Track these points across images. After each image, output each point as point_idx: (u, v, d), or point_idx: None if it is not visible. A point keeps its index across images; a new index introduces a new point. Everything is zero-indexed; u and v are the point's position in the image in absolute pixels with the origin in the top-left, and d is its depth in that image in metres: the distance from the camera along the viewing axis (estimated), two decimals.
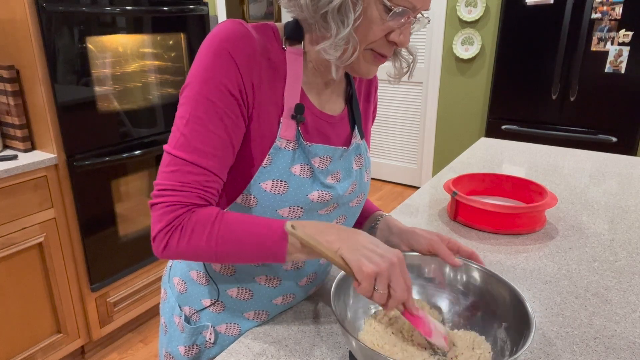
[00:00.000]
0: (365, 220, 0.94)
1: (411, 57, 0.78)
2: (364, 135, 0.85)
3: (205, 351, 0.84)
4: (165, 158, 0.66)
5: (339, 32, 0.65)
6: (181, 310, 0.85)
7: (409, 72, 0.79)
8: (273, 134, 0.70)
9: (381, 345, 0.71)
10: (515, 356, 0.61)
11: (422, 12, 0.69)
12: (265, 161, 0.70)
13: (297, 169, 0.71)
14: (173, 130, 0.66)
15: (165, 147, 0.66)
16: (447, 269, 0.83)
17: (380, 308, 0.78)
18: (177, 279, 0.87)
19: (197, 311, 0.84)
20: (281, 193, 0.70)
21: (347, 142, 0.80)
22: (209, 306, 0.82)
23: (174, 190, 0.64)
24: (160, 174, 0.66)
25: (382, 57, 0.71)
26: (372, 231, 0.92)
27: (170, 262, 0.93)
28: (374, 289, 0.62)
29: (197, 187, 0.65)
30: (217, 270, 0.80)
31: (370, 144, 0.97)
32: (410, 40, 0.77)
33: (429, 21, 0.72)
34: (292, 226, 0.63)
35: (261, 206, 0.71)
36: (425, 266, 0.84)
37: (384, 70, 0.83)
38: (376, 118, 4.29)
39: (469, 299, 0.80)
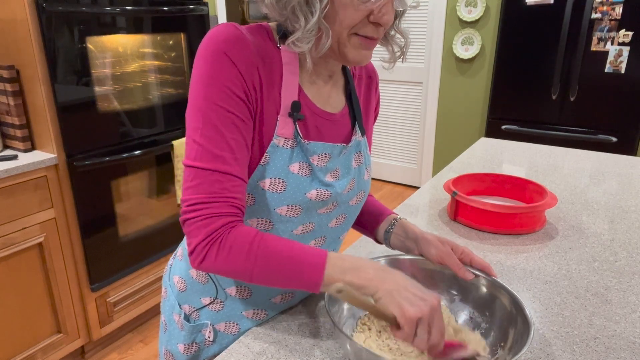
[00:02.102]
0: (379, 223, 0.93)
1: (404, 40, 0.77)
2: (365, 132, 0.84)
3: (205, 349, 0.84)
4: (187, 173, 0.65)
5: (307, 23, 0.64)
6: (181, 308, 0.85)
7: (402, 56, 0.77)
8: (270, 132, 0.70)
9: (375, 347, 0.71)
10: (517, 357, 0.61)
11: None
12: (263, 159, 0.70)
13: (295, 167, 0.71)
14: (188, 143, 0.66)
15: (184, 162, 0.66)
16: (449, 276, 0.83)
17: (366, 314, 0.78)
18: (177, 278, 0.87)
19: (196, 309, 0.84)
20: (279, 191, 0.70)
21: (348, 139, 0.80)
22: (209, 304, 0.83)
23: (203, 203, 0.64)
24: (185, 190, 0.65)
25: (370, 40, 0.68)
26: (387, 235, 0.91)
27: (170, 261, 0.93)
28: (415, 334, 0.61)
29: (226, 196, 0.64)
30: None
31: (372, 142, 0.97)
32: (410, 36, 0.77)
33: (417, 3, 0.71)
34: (339, 290, 0.62)
35: (259, 205, 0.71)
36: (426, 270, 0.84)
37: (379, 57, 0.82)
38: (377, 118, 4.28)
39: (467, 304, 0.81)
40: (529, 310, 0.71)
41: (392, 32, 0.76)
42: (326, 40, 0.66)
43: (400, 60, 0.78)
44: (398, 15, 0.74)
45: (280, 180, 0.70)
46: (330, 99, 0.78)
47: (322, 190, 0.73)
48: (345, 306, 0.77)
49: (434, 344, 0.61)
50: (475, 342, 0.73)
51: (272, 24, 0.74)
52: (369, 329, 0.75)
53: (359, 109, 0.82)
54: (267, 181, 0.70)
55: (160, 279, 2.29)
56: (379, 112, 4.07)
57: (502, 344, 0.72)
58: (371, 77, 0.88)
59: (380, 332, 0.74)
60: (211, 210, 0.64)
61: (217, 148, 0.64)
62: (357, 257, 0.67)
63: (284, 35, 0.71)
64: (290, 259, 0.64)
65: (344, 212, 0.81)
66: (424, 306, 0.60)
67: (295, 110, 0.70)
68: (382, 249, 1.06)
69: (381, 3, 0.65)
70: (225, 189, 0.64)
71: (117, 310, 2.11)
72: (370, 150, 0.88)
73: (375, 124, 4.17)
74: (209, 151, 0.64)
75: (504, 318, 0.74)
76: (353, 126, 0.81)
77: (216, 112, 0.64)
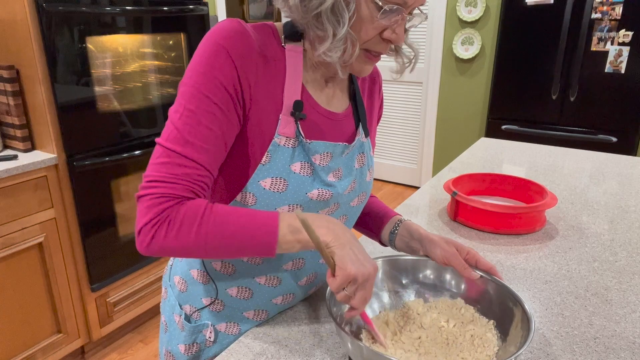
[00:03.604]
0: (384, 224, 0.93)
1: (412, 52, 0.78)
2: (369, 133, 0.84)
3: (205, 350, 0.84)
4: (156, 150, 0.66)
5: (336, 33, 0.65)
6: (181, 308, 0.85)
7: (410, 67, 0.79)
8: (272, 131, 0.70)
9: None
10: (516, 354, 0.61)
11: (419, 7, 0.69)
12: (264, 158, 0.69)
13: (297, 166, 0.71)
14: (167, 124, 0.66)
15: (157, 139, 0.66)
16: (447, 275, 0.83)
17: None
18: (177, 278, 0.87)
19: (197, 310, 0.84)
20: (280, 191, 0.70)
21: (351, 140, 0.80)
22: (209, 305, 0.82)
23: (163, 182, 0.63)
24: (150, 166, 0.65)
25: (376, 57, 0.71)
26: (392, 237, 0.91)
27: (170, 261, 0.93)
28: (343, 289, 0.64)
29: (187, 180, 0.64)
30: (217, 269, 0.80)
31: (375, 143, 0.97)
32: (410, 36, 0.77)
33: (426, 17, 0.72)
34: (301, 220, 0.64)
35: (260, 204, 0.71)
36: (421, 270, 0.85)
37: (387, 67, 0.83)
38: (380, 119, 4.28)
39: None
40: (529, 307, 0.71)
41: (402, 45, 0.77)
42: (352, 50, 0.67)
43: (409, 70, 0.79)
44: (406, 30, 0.74)
45: (282, 180, 0.70)
46: (334, 98, 0.78)
47: (324, 190, 0.73)
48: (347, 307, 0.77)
49: (355, 307, 0.65)
50: (487, 330, 0.74)
51: (277, 24, 0.74)
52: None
53: (363, 109, 0.82)
54: (269, 181, 0.70)
55: (160, 279, 2.29)
56: (382, 114, 4.07)
57: (503, 340, 0.73)
58: (375, 79, 0.88)
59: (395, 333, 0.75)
60: (167, 190, 0.63)
61: (190, 135, 0.64)
62: (311, 213, 0.68)
63: (291, 35, 0.71)
64: (242, 226, 0.64)
65: (345, 213, 0.81)
66: (362, 269, 0.63)
67: (298, 109, 0.70)
68: (382, 249, 1.07)
69: (397, 20, 0.66)
70: (187, 175, 0.64)
71: (117, 310, 2.11)
72: (373, 152, 0.88)
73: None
74: (182, 136, 0.64)
75: (505, 316, 0.75)
76: (357, 127, 0.81)
77: (201, 101, 0.64)
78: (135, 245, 0.65)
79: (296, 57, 0.71)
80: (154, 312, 2.36)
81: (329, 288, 0.71)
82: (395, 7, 0.65)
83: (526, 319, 0.68)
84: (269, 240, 0.64)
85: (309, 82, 0.74)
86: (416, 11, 0.69)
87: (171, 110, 0.67)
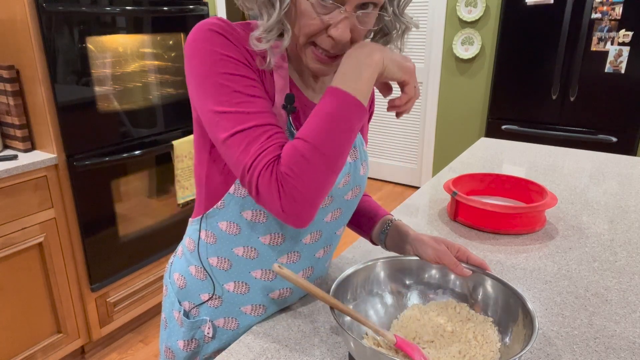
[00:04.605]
0: (375, 224, 0.94)
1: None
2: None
3: (204, 345, 0.85)
4: (230, 144, 0.65)
5: (269, 19, 0.65)
6: (180, 305, 0.86)
7: None
8: None
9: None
10: (519, 354, 0.61)
11: (386, 6, 0.68)
12: None
13: None
14: (217, 122, 0.66)
15: (222, 135, 0.65)
16: (452, 275, 0.83)
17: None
18: (177, 275, 0.87)
19: (195, 306, 0.84)
20: None
21: None
22: (207, 301, 0.83)
23: (257, 155, 0.63)
24: (239, 157, 0.64)
25: (325, 57, 0.68)
26: (382, 236, 0.92)
27: (171, 259, 0.93)
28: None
29: (274, 141, 0.64)
30: (214, 264, 0.80)
31: (369, 142, 0.97)
32: (408, 39, 0.77)
33: (390, 19, 0.70)
34: (278, 266, 0.70)
35: None
36: (426, 270, 0.85)
37: None
38: (376, 118, 4.30)
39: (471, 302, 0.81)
40: (531, 305, 0.71)
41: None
42: (287, 40, 0.67)
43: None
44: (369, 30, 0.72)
45: None
46: (322, 91, 0.79)
47: None
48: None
49: (416, 95, 0.71)
50: (487, 326, 0.74)
51: (259, 22, 0.74)
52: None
53: None
54: None
55: (160, 279, 2.29)
56: (377, 113, 4.08)
57: (502, 336, 0.73)
58: None
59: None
60: (265, 158, 0.63)
61: (247, 108, 0.65)
62: (349, 63, 0.66)
63: None
64: (329, 122, 0.63)
65: (340, 207, 0.81)
66: (411, 65, 0.69)
67: (290, 102, 0.71)
68: (382, 250, 1.06)
69: (337, 19, 0.65)
70: (270, 137, 0.65)
71: (117, 310, 2.11)
72: (366, 146, 0.88)
73: (376, 124, 4.17)
74: (241, 113, 0.65)
75: (507, 314, 0.75)
76: None
77: (232, 80, 0.65)
78: (292, 219, 0.65)
79: (280, 52, 0.72)
80: (154, 312, 2.36)
81: (332, 287, 0.71)
82: (331, 3, 0.64)
83: (529, 317, 0.69)
84: (358, 107, 0.65)
85: (296, 76, 0.76)
86: (370, 10, 0.66)
87: (207, 110, 0.66)
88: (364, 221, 0.95)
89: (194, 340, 0.84)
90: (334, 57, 0.69)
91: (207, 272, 0.81)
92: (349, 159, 0.80)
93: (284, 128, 0.71)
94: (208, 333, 0.83)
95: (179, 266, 0.88)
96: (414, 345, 0.69)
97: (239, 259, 0.78)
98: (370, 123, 0.92)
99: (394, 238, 0.90)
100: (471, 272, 0.80)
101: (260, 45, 0.66)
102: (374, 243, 0.96)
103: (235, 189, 0.73)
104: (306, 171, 0.62)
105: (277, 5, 0.64)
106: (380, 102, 4.12)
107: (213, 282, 0.82)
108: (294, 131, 0.72)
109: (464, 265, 0.81)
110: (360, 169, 0.83)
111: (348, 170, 0.79)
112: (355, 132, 0.66)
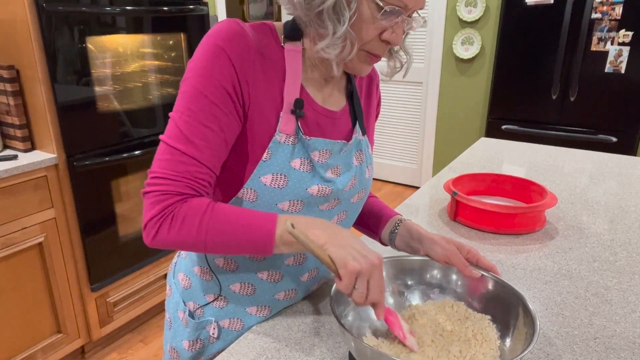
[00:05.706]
0: (384, 224, 0.93)
1: (405, 57, 0.79)
2: (366, 131, 0.85)
3: (209, 346, 0.85)
4: (160, 146, 0.68)
5: (336, 31, 0.66)
6: (185, 305, 0.86)
7: (402, 72, 0.80)
8: (272, 128, 0.71)
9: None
10: (522, 354, 0.61)
11: (417, 11, 0.70)
12: (265, 155, 0.71)
13: (297, 163, 0.72)
14: (169, 122, 0.68)
15: (161, 136, 0.68)
16: (453, 275, 0.83)
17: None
18: (181, 275, 0.87)
19: (200, 306, 0.84)
20: (281, 187, 0.71)
21: (348, 137, 0.81)
22: (212, 301, 0.83)
23: (166, 179, 0.65)
24: (155, 162, 0.67)
25: (376, 57, 0.72)
26: (392, 236, 0.91)
27: (175, 259, 0.94)
28: (354, 287, 0.64)
29: (188, 178, 0.66)
30: (220, 265, 0.80)
31: (374, 141, 0.98)
32: (408, 40, 0.78)
33: (425, 21, 0.73)
34: (292, 225, 0.64)
35: (261, 200, 0.72)
36: (428, 270, 0.84)
37: (379, 68, 0.84)
38: (378, 117, 4.28)
39: (474, 303, 0.81)
40: (532, 306, 0.71)
41: (397, 49, 0.78)
42: (350, 48, 0.68)
43: (401, 75, 0.80)
44: (406, 33, 0.75)
45: (282, 176, 0.71)
46: (331, 97, 0.79)
47: (324, 186, 0.74)
48: (351, 306, 0.77)
49: (373, 300, 0.65)
50: (486, 325, 0.74)
51: (277, 23, 0.75)
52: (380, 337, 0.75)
53: (360, 108, 0.83)
54: (269, 177, 0.71)
55: (160, 278, 2.29)
56: (380, 112, 4.08)
57: (501, 335, 0.73)
58: (372, 77, 0.89)
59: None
60: (170, 188, 0.65)
61: (191, 134, 0.66)
62: (308, 216, 0.68)
63: (290, 34, 0.72)
64: (241, 225, 0.65)
65: (345, 209, 0.81)
66: (364, 262, 0.63)
67: (299, 107, 0.71)
68: (382, 250, 1.07)
69: (397, 22, 0.67)
70: (189, 172, 0.66)
71: (117, 310, 2.11)
72: (372, 149, 0.88)
73: (376, 123, 4.17)
74: (183, 135, 0.66)
75: (507, 313, 0.75)
76: (354, 125, 0.82)
77: (201, 102, 0.66)
78: (142, 238, 0.67)
79: (295, 56, 0.72)
80: (154, 312, 2.36)
81: (333, 287, 0.71)
82: (395, 8, 0.66)
83: (530, 317, 0.69)
84: (267, 241, 0.65)
85: (308, 81, 0.75)
86: (415, 15, 0.71)
87: (174, 109, 0.68)
88: (373, 222, 0.95)
89: (198, 340, 0.84)
90: (380, 57, 0.73)
91: (213, 273, 0.82)
92: (355, 162, 0.80)
93: (291, 133, 0.71)
94: (213, 334, 0.83)
95: (183, 266, 0.88)
96: (396, 316, 0.72)
97: (245, 260, 0.79)
98: None
99: (404, 237, 0.89)
100: (480, 274, 0.80)
101: (330, 54, 0.68)
102: (383, 244, 0.95)
103: (243, 193, 0.72)
104: (187, 235, 0.65)
105: (346, 14, 0.65)
106: (382, 102, 4.13)
107: (219, 283, 0.82)
108: (302, 135, 0.72)
109: (473, 267, 0.81)
110: (366, 172, 0.83)
111: (354, 173, 0.80)
112: (241, 253, 0.68)
